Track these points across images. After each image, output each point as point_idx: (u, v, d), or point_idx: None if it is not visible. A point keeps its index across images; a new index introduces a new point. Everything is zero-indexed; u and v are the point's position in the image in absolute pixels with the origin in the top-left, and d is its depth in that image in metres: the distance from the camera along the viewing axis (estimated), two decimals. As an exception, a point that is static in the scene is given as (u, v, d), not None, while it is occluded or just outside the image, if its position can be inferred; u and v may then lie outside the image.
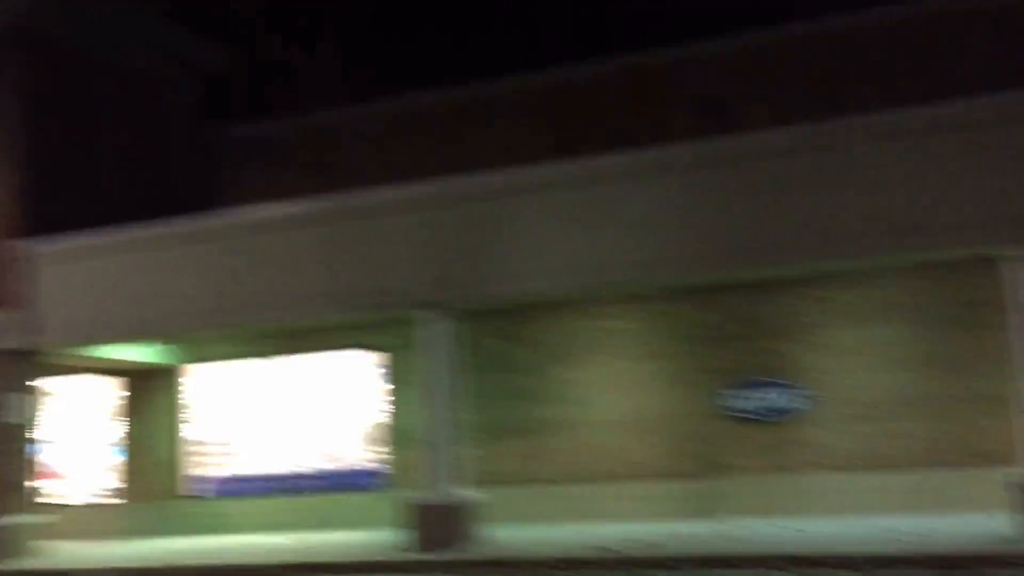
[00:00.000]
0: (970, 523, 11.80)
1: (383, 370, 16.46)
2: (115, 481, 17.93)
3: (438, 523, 12.76)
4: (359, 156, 18.64)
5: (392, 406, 16.31)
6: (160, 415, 17.79)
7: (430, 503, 12.93)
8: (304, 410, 17.04)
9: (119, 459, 17.92)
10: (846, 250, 11.99)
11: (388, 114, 18.92)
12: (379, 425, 16.42)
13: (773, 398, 14.31)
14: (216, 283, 14.46)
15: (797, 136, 12.24)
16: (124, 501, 17.75)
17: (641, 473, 14.80)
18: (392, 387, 16.31)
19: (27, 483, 15.11)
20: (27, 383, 15.30)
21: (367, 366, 16.64)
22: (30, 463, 15.27)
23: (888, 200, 11.65)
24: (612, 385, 15.19)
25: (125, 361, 17.06)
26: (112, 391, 18.09)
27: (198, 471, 17.51)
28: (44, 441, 15.99)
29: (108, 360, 16.85)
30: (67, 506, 17.43)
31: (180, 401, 17.70)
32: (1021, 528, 10.82)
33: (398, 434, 16.08)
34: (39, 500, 15.48)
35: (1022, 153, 11.23)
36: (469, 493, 13.24)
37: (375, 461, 16.46)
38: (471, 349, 14.47)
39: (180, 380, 17.73)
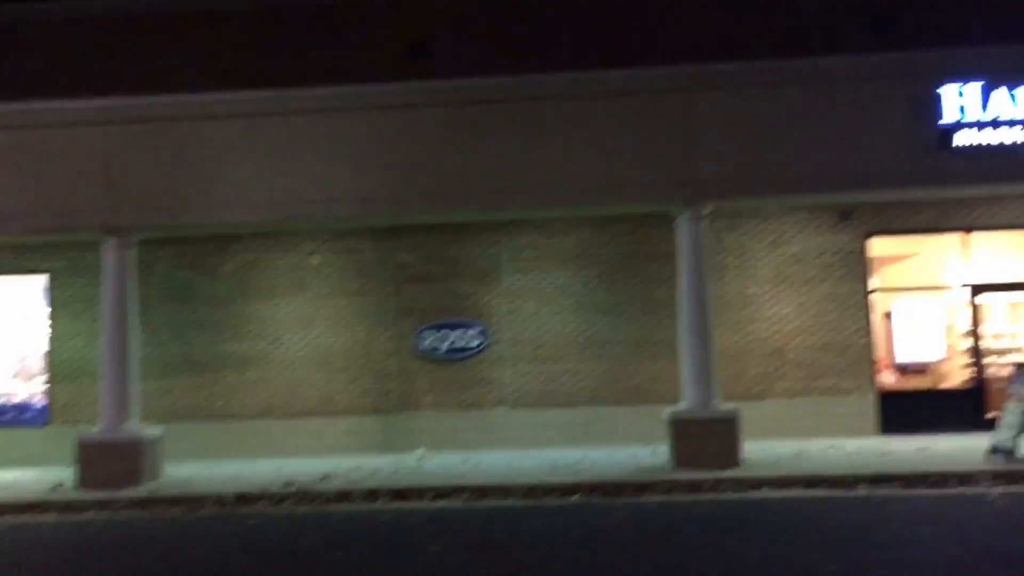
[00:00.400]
0: (628, 455, 12.92)
1: (44, 296, 15.20)
2: None
3: (111, 460, 12.12)
4: (44, 62, 16.91)
5: (53, 335, 15.12)
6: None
7: (101, 439, 12.27)
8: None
9: None
10: (538, 200, 12.59)
11: (77, 18, 17.24)
12: (39, 355, 15.21)
13: (459, 337, 14.82)
14: None
15: (502, 85, 12.61)
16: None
17: (332, 410, 14.87)
18: (54, 314, 15.11)
19: None
20: None
21: (28, 291, 15.29)
22: None
23: (575, 155, 12.36)
24: (304, 321, 15.06)
25: None
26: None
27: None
28: None
29: None
30: None
31: None
32: (665, 458, 12.01)
33: (60, 365, 14.96)
34: None
35: (691, 121, 12.24)
36: (145, 429, 12.69)
37: (34, 395, 15.28)
38: (154, 279, 13.78)
39: None
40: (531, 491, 10.79)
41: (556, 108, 12.57)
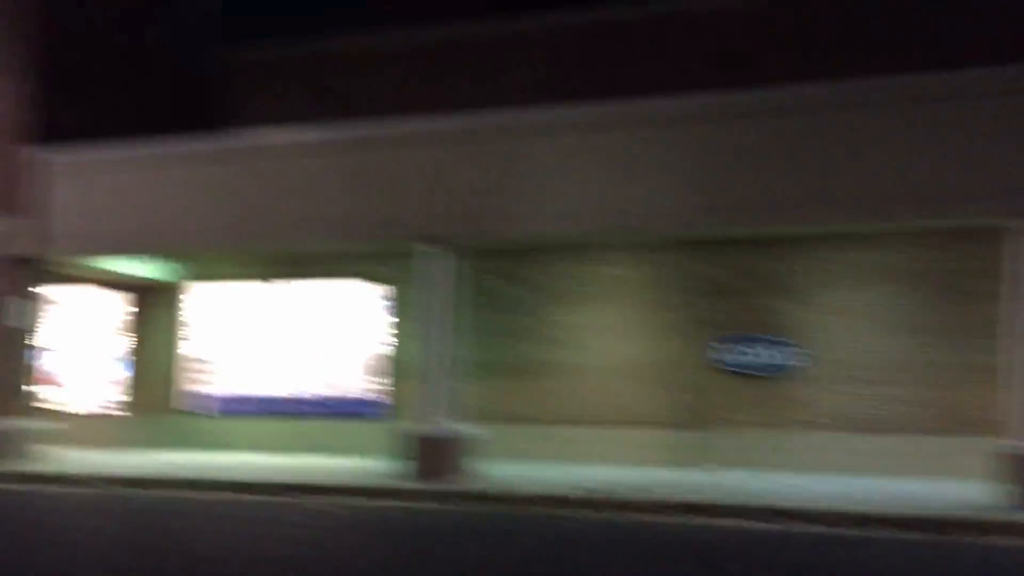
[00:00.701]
0: (953, 489, 12.05)
1: (386, 302, 16.66)
2: (118, 393, 18.23)
3: (433, 454, 13.06)
4: (373, 85, 18.51)
5: (393, 338, 16.53)
6: (162, 331, 18.02)
7: (426, 434, 13.20)
8: (304, 335, 17.29)
9: (123, 371, 18.20)
10: (853, 213, 12.09)
11: (407, 44, 18.74)
12: (379, 355, 16.66)
13: (767, 354, 14.50)
14: (223, 204, 14.53)
15: (814, 95, 12.24)
16: (126, 413, 18.06)
17: (633, 420, 15.07)
18: (395, 319, 16.52)
19: (26, 388, 15.34)
20: (29, 289, 15.44)
21: (369, 296, 16.83)
22: (29, 368, 15.49)
23: (899, 165, 11.71)
24: (610, 331, 15.38)
25: (130, 276, 17.23)
26: (117, 304, 18.29)
27: (196, 388, 17.80)
28: (46, 348, 16.14)
29: (114, 273, 17.01)
30: (70, 414, 17.72)
31: (181, 318, 17.91)
32: (1004, 497, 11.08)
33: (398, 365, 16.33)
34: (39, 406, 15.74)
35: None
36: (464, 427, 13.50)
37: (374, 391, 16.74)
38: (472, 286, 14.62)
39: (182, 297, 17.91)
40: (862, 520, 10.29)
41: (876, 115, 11.96)
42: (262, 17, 19.09)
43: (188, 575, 7.42)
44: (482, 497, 11.85)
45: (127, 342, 18.18)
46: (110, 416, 18.14)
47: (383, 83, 18.34)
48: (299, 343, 17.32)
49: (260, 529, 9.89)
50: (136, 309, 18.18)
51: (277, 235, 14.36)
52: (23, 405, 15.17)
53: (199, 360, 17.83)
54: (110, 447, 17.40)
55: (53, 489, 12.95)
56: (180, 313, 17.92)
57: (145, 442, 17.63)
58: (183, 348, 17.86)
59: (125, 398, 18.18)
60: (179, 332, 17.92)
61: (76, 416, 17.91)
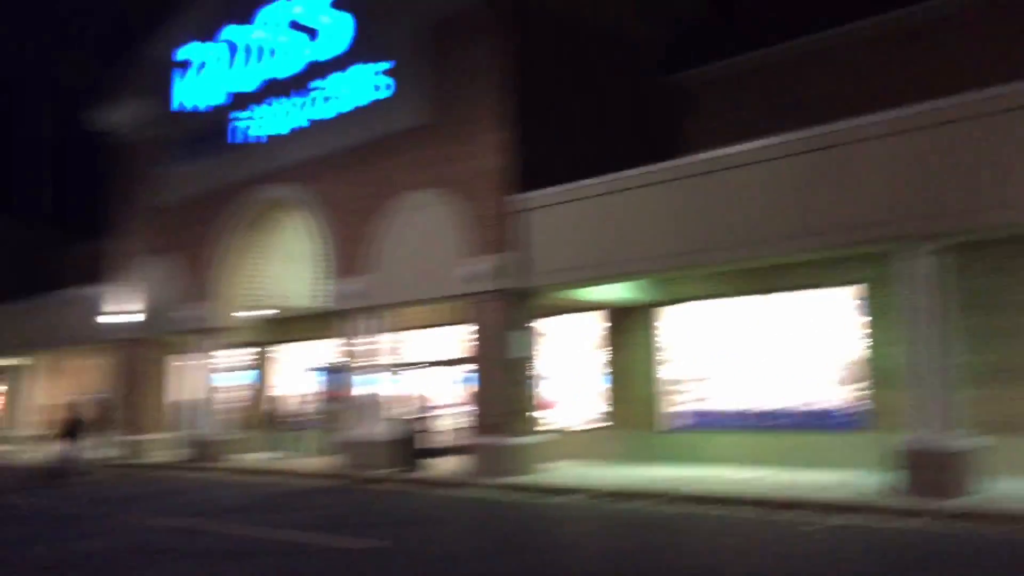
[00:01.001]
0: None
1: (860, 305, 15.87)
2: (601, 410, 19.49)
3: (932, 468, 12.06)
4: (824, 85, 17.89)
5: (870, 343, 15.67)
6: (638, 351, 18.90)
7: (923, 447, 12.24)
8: (778, 348, 17.05)
9: (605, 388, 19.42)
10: None
11: (854, 38, 17.87)
12: (857, 363, 15.89)
13: None
14: (689, 223, 14.88)
15: None
16: (609, 427, 19.21)
17: None
18: (870, 323, 15.66)
19: (530, 410, 16.97)
20: (525, 322, 17.08)
21: (843, 302, 16.16)
22: (531, 393, 17.13)
23: None
24: None
25: (605, 300, 18.34)
26: (595, 328, 19.58)
27: (674, 405, 18.39)
28: (541, 374, 17.70)
29: (589, 300, 18.23)
30: (561, 431, 19.31)
31: (656, 337, 18.63)
32: None
33: (878, 372, 15.44)
34: (540, 425, 17.31)
35: None
36: (963, 438, 12.30)
37: (853, 400, 16.00)
38: (958, 284, 13.31)
39: (655, 317, 18.63)
40: None
41: None
42: (702, 39, 19.41)
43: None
44: (995, 516, 10.66)
45: (606, 362, 19.36)
46: (594, 431, 19.43)
47: (838, 80, 17.63)
48: (773, 356, 17.14)
49: (764, 545, 9.85)
50: (610, 330, 19.31)
51: (743, 248, 14.33)
52: (525, 425, 16.79)
53: (675, 377, 18.42)
54: (595, 460, 18.64)
55: (553, 500, 14.11)
56: (655, 332, 18.65)
57: (626, 456, 18.60)
58: (659, 366, 18.56)
59: (607, 414, 19.36)
60: (654, 350, 18.66)
61: (566, 432, 19.48)
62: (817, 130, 13.68)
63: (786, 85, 18.59)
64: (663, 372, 18.52)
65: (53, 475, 18.93)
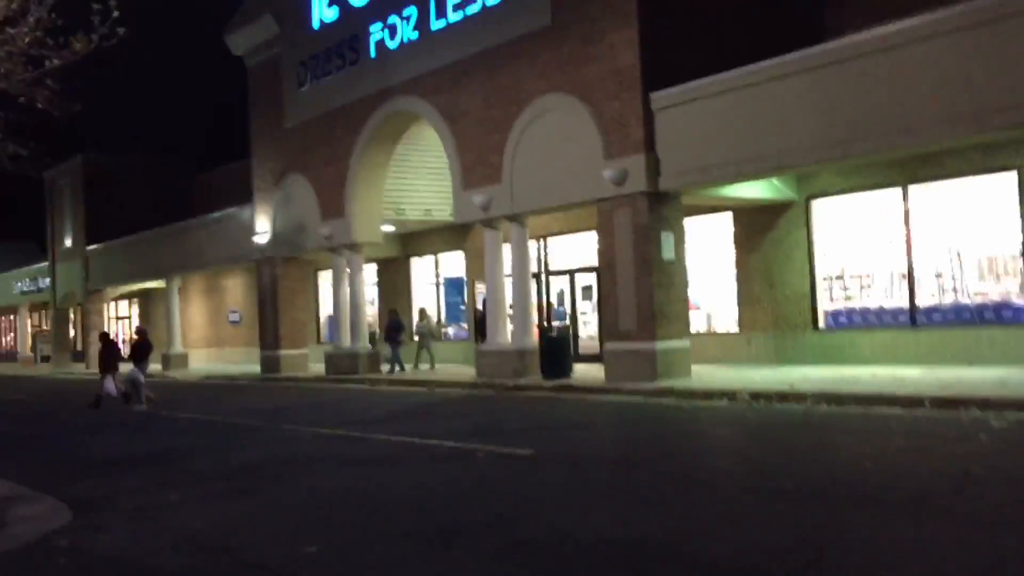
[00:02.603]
0: None
1: (1018, 193, 14.82)
2: (740, 312, 19.03)
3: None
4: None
5: (1037, 234, 14.67)
6: (778, 250, 18.26)
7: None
8: (930, 241, 16.18)
9: (743, 291, 18.91)
10: None
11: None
12: (1017, 254, 14.93)
13: None
14: (837, 112, 14.05)
15: None
16: (750, 329, 18.78)
17: None
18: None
19: (679, 313, 16.65)
20: (670, 223, 16.63)
21: (999, 190, 15.11)
22: (681, 295, 16.77)
23: None
24: None
25: (745, 199, 17.68)
26: (734, 228, 18.98)
27: (821, 304, 17.76)
28: (685, 276, 17.25)
29: (729, 198, 17.61)
30: (700, 334, 18.99)
31: (799, 236, 17.92)
32: None
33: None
34: (685, 328, 16.97)
35: None
36: None
37: (1013, 294, 15.10)
38: None
39: (800, 215, 17.90)
40: None
41: None
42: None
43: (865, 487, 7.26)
44: None
45: (745, 263, 18.80)
46: (734, 334, 19.02)
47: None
48: (924, 250, 16.28)
49: (951, 443, 9.38)
50: (750, 231, 18.69)
51: (898, 136, 13.46)
52: (673, 329, 16.49)
53: (822, 275, 17.75)
54: (737, 363, 18.29)
55: (703, 403, 13.84)
56: (797, 230, 17.95)
57: (770, 358, 18.18)
58: (804, 264, 17.90)
59: (746, 316, 18.89)
60: (797, 249, 17.98)
61: (706, 335, 19.15)
62: (976, 3, 12.56)
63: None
64: (808, 271, 17.85)
65: (126, 397, 18.82)
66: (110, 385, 18.81)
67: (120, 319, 44.69)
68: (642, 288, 16.41)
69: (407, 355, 23.68)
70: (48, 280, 44.58)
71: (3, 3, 13.57)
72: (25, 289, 47.78)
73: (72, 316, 44.64)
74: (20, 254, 52.39)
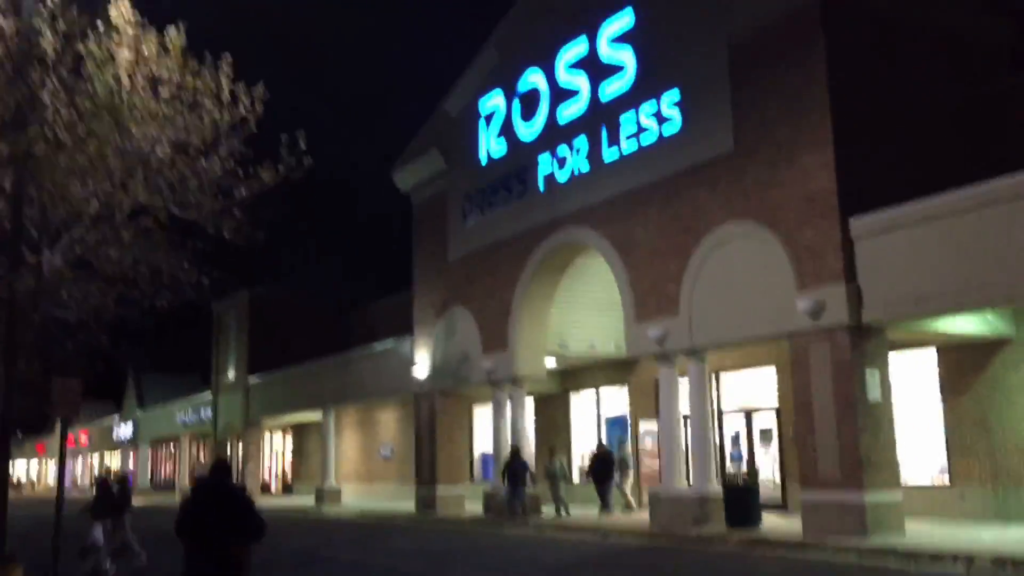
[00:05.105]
0: None
1: None
2: (951, 462, 16.95)
3: None
4: None
5: None
6: (999, 392, 16.27)
7: None
8: None
9: (954, 438, 16.88)
10: None
11: None
12: None
13: None
14: None
15: None
16: (959, 483, 16.64)
17: None
18: None
19: (887, 460, 14.86)
20: (875, 359, 15.09)
21: None
22: (889, 440, 15.01)
23: None
24: None
25: (953, 334, 15.95)
26: (939, 367, 17.15)
27: (1048, 455, 15.61)
28: (893, 418, 15.49)
29: (934, 334, 15.94)
30: (911, 486, 16.93)
31: (1019, 377, 15.96)
32: None
33: None
34: (894, 479, 15.10)
35: None
36: None
37: None
38: None
39: (1020, 353, 15.98)
40: None
41: None
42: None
43: None
44: None
45: (956, 406, 16.85)
46: (943, 487, 16.89)
47: None
48: None
49: None
50: (959, 371, 16.80)
51: None
52: (879, 478, 14.69)
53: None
54: (945, 520, 16.15)
55: (929, 568, 11.96)
56: (1019, 371, 15.98)
57: (986, 515, 15.98)
58: (1028, 409, 15.87)
59: (952, 467, 16.80)
60: (1018, 392, 15.98)
61: (912, 487, 17.07)
62: None
63: None
64: (1039, 416, 15.77)
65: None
66: (98, 534, 15.32)
67: (274, 451, 45.11)
68: (845, 431, 14.75)
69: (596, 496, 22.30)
70: (210, 411, 45.70)
71: (198, 135, 13.86)
72: (187, 420, 49.14)
73: (231, 447, 45.43)
74: (184, 385, 54.25)
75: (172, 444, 55.37)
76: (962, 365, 16.81)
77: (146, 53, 12.97)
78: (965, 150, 16.11)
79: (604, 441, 23.96)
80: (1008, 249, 13.17)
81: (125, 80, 12.93)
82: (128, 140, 13.00)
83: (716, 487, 17.58)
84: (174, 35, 13.20)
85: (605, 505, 21.62)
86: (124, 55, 12.82)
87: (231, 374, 43.38)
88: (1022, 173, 13.21)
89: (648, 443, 23.19)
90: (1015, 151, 16.19)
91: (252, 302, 41.98)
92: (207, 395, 46.54)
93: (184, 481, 50.52)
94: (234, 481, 7.50)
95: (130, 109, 12.70)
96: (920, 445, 17.29)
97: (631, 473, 22.68)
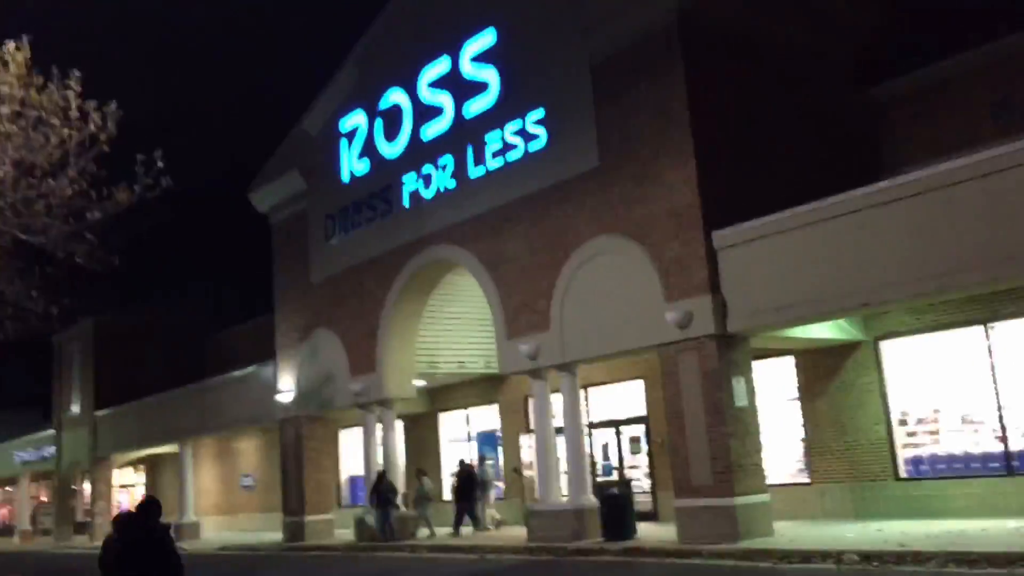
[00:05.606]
0: None
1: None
2: (805, 462, 17.74)
3: None
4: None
5: None
6: (848, 395, 17.14)
7: None
8: (1015, 381, 15.13)
9: (807, 440, 17.68)
10: None
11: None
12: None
13: None
14: (904, 250, 13.33)
15: None
16: (819, 482, 17.42)
17: None
18: None
19: (755, 465, 15.35)
20: (741, 368, 15.59)
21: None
22: (756, 446, 15.52)
23: None
24: None
25: (808, 339, 16.71)
26: (796, 372, 17.92)
27: (897, 453, 16.52)
28: (759, 423, 16.03)
29: (792, 339, 16.65)
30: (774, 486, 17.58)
31: (871, 379, 16.86)
32: None
33: None
34: (762, 481, 15.62)
35: None
36: None
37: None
38: None
39: (869, 356, 16.89)
40: None
41: None
42: (895, 47, 17.92)
43: None
44: None
45: (808, 408, 17.66)
46: (802, 486, 17.65)
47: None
48: (1010, 391, 15.21)
49: None
50: (813, 375, 17.62)
51: (972, 274, 12.69)
52: (749, 482, 15.17)
53: (897, 421, 16.58)
54: (807, 519, 16.87)
55: (800, 566, 12.42)
56: (869, 373, 16.88)
57: (843, 512, 16.81)
58: (876, 410, 16.75)
59: (811, 466, 17.60)
60: (868, 393, 16.88)
61: (776, 488, 17.72)
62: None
63: (989, 91, 16.89)
64: (883, 416, 16.68)
65: None
66: None
67: (125, 487, 42.76)
68: (716, 438, 15.19)
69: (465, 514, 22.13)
70: (53, 448, 42.93)
71: (44, 154, 13.00)
72: (27, 459, 45.99)
73: (76, 486, 42.77)
74: (22, 423, 50.77)
75: (9, 485, 51.69)
76: (818, 369, 17.63)
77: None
78: (819, 161, 16.96)
79: (473, 459, 23.85)
80: (860, 257, 13.90)
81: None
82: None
83: (592, 499, 17.77)
84: (13, 48, 12.39)
85: (475, 522, 21.56)
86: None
87: (76, 408, 40.89)
88: (869, 186, 14.01)
89: (458, 464, 23.16)
90: (865, 162, 17.25)
91: (97, 330, 39.71)
92: (49, 431, 43.71)
93: (24, 524, 47.23)
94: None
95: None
96: (781, 447, 18.01)
97: (492, 493, 22.66)
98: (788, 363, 18.10)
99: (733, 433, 15.12)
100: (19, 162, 12.75)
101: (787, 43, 17.61)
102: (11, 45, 12.15)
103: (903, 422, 16.57)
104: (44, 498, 47.45)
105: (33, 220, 13.10)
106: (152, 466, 40.92)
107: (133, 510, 7.42)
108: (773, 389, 18.03)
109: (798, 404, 17.93)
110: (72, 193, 13.13)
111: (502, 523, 22.04)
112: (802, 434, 17.85)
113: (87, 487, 40.99)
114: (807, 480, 17.76)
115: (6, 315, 14.26)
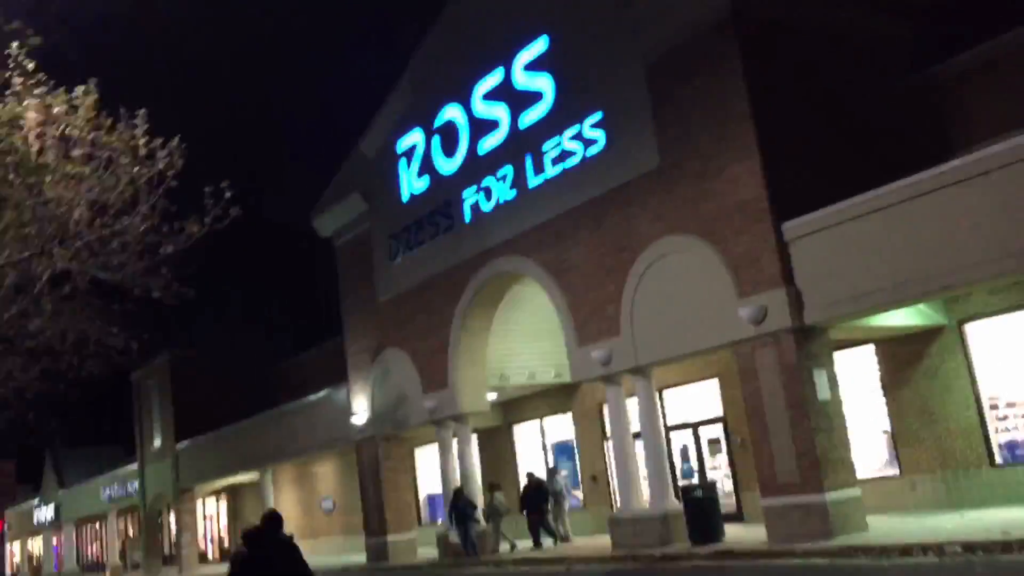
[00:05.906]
0: None
1: None
2: (893, 453, 17.22)
3: None
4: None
5: None
6: (936, 382, 16.60)
7: None
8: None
9: (894, 430, 17.17)
10: None
11: None
12: None
13: None
14: (984, 229, 12.87)
15: None
16: (909, 473, 16.89)
17: None
18: None
19: (843, 460, 14.95)
20: (823, 360, 15.24)
21: None
22: (842, 440, 15.12)
23: None
24: None
25: (889, 327, 16.25)
26: (878, 361, 17.44)
27: (993, 439, 15.93)
28: (844, 417, 15.62)
29: (872, 328, 16.22)
30: (864, 480, 17.08)
31: (957, 364, 16.31)
32: None
33: None
34: (852, 476, 15.20)
35: None
36: None
37: None
38: None
39: (954, 341, 16.36)
40: None
41: None
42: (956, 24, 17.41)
43: None
44: None
45: (894, 397, 17.15)
46: (891, 478, 17.13)
47: None
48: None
49: None
50: (896, 363, 17.12)
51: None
52: (844, 476, 14.79)
53: (992, 406, 16.00)
54: (899, 511, 16.34)
55: (902, 561, 12.01)
56: (957, 357, 16.33)
57: (937, 502, 16.24)
58: (969, 395, 16.19)
59: (901, 456, 17.07)
60: (958, 379, 16.32)
61: (866, 481, 17.25)
62: None
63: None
64: (973, 401, 16.12)
65: None
66: None
67: (208, 518, 43.51)
68: (800, 434, 14.83)
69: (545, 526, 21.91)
70: (137, 483, 43.88)
71: (116, 193, 13.27)
72: (114, 495, 47.07)
73: (162, 518, 43.63)
74: (106, 458, 52.02)
75: (98, 523, 52.96)
76: (900, 357, 17.13)
77: (55, 111, 12.42)
78: (887, 144, 16.53)
79: (550, 468, 23.63)
80: (937, 239, 13.48)
81: (33, 141, 12.34)
82: (44, 204, 12.39)
83: (676, 503, 17.50)
84: (82, 91, 12.69)
85: (550, 535, 21.27)
86: (31, 116, 12.24)
87: (157, 442, 41.77)
88: (942, 165, 13.59)
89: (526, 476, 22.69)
90: (934, 143, 16.74)
91: (172, 366, 40.53)
92: (133, 466, 44.70)
93: (115, 559, 48.31)
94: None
95: (44, 171, 12.09)
96: (867, 439, 17.52)
97: (567, 504, 22.31)
98: (869, 352, 17.63)
99: (818, 427, 14.75)
100: (93, 202, 13.07)
101: (844, 26, 17.22)
102: (80, 89, 12.46)
103: (994, 406, 15.99)
104: (132, 532, 48.47)
105: (109, 258, 13.40)
106: (233, 495, 41.55)
107: (259, 524, 7.65)
108: (854, 380, 17.57)
109: (881, 394, 17.44)
110: (145, 229, 13.42)
111: (566, 538, 21.59)
112: (887, 425, 17.35)
113: (172, 519, 41.79)
114: (896, 472, 17.23)
115: (88, 353, 14.60)
